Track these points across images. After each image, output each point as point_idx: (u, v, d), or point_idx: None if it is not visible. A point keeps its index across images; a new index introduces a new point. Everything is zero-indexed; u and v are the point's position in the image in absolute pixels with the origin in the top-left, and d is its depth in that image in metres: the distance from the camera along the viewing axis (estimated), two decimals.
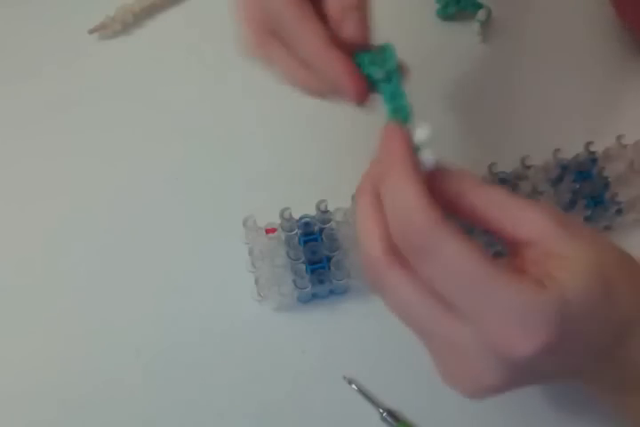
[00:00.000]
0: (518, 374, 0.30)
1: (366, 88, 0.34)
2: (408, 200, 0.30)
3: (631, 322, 0.31)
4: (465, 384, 0.32)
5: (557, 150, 0.50)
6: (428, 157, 0.32)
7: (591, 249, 0.30)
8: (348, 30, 0.34)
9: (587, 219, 0.48)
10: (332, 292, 0.49)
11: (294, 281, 0.46)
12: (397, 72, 0.36)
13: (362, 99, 0.34)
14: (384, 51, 0.36)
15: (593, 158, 0.50)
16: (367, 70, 0.35)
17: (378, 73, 0.35)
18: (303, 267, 0.46)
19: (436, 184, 0.32)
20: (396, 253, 0.31)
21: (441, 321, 0.30)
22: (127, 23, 0.59)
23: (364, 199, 0.32)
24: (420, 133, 0.33)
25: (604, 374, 0.33)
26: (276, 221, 0.47)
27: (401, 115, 0.34)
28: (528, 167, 0.49)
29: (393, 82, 0.35)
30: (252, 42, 0.37)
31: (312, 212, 0.48)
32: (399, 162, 0.31)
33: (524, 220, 0.31)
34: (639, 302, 0.31)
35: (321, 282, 0.46)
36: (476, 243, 0.29)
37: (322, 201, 0.47)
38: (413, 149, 0.32)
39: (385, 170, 0.31)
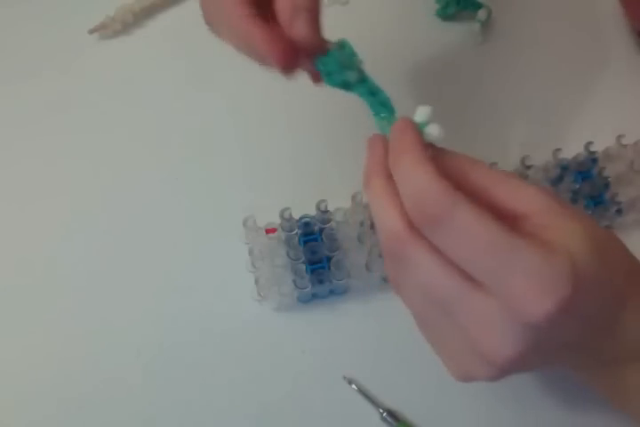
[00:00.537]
0: (537, 342, 0.31)
1: (291, 56, 0.35)
2: (421, 174, 0.31)
3: (624, 294, 0.33)
4: (482, 362, 0.32)
5: (557, 150, 0.50)
6: (433, 131, 0.34)
7: (584, 223, 0.32)
8: (298, 30, 0.35)
9: None
10: (331, 292, 0.49)
11: (294, 281, 0.46)
12: (362, 66, 0.36)
13: (286, 66, 0.36)
14: (343, 47, 0.36)
15: (593, 158, 0.50)
16: (341, 77, 0.35)
17: (352, 76, 0.35)
18: (303, 267, 0.46)
19: (439, 163, 0.33)
20: (414, 228, 0.32)
21: (465, 291, 0.31)
22: (127, 23, 0.59)
23: (378, 181, 0.34)
24: (422, 111, 0.34)
25: (600, 347, 0.34)
26: (276, 221, 0.47)
27: (387, 107, 0.34)
28: (528, 167, 0.49)
29: (367, 78, 0.36)
30: (205, 19, 0.40)
31: (312, 212, 0.48)
32: (412, 145, 0.32)
33: (524, 194, 0.32)
34: (627, 276, 0.33)
35: (321, 282, 0.46)
36: (488, 211, 0.30)
37: (322, 201, 0.47)
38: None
39: (397, 154, 0.33)
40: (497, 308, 0.30)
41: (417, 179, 0.31)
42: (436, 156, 0.33)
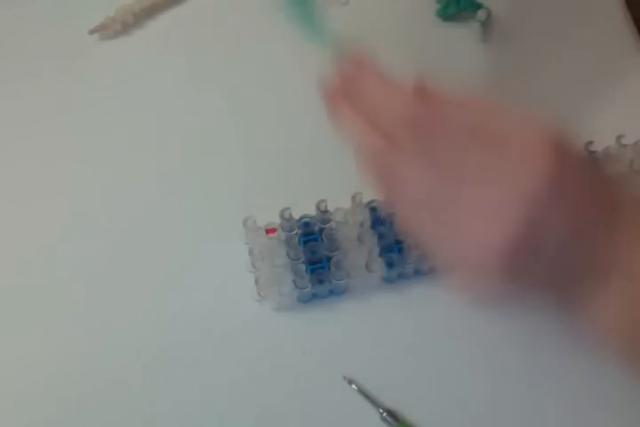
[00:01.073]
0: (529, 230, 0.32)
1: None
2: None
3: (592, 213, 0.34)
4: (480, 247, 0.34)
5: None
6: None
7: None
8: None
9: None
10: (331, 292, 0.49)
11: (294, 281, 0.46)
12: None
13: None
14: None
15: (593, 158, 0.50)
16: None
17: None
18: (303, 267, 0.46)
19: None
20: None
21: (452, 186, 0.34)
22: (127, 23, 0.59)
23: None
24: None
25: (587, 262, 0.35)
26: (276, 221, 0.47)
27: (324, 37, 0.35)
28: None
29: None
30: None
31: (312, 212, 0.48)
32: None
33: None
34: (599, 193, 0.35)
35: (321, 282, 0.46)
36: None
37: (322, 201, 0.47)
38: None
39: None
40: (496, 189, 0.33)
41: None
42: None
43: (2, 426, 0.47)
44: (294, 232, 0.47)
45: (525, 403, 0.46)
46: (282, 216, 0.47)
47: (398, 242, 0.47)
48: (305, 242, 0.47)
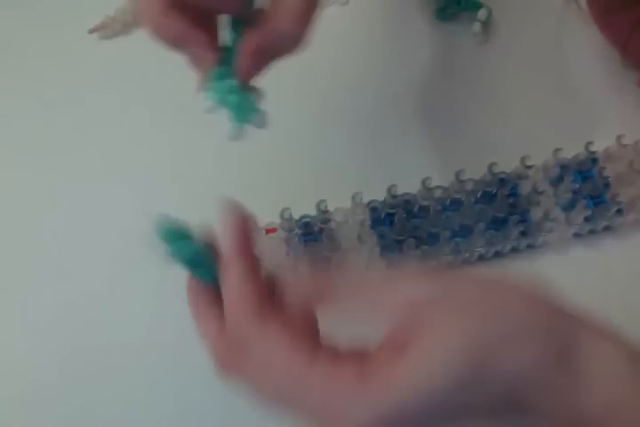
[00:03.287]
0: None
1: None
2: (233, 287, 0.31)
3: (525, 379, 0.28)
4: None
5: (557, 150, 0.50)
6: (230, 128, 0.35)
7: (473, 315, 0.28)
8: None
9: (587, 219, 0.48)
10: None
11: None
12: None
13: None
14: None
15: (593, 158, 0.50)
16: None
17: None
18: None
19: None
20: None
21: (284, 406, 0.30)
22: (127, 23, 0.59)
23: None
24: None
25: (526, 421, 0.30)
26: (276, 221, 0.47)
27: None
28: (528, 167, 0.49)
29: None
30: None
31: (312, 212, 0.48)
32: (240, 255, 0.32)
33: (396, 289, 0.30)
34: (541, 356, 0.28)
35: None
36: (289, 329, 0.29)
37: (322, 201, 0.47)
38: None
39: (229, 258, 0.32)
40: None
41: (231, 288, 0.31)
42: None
43: None
44: (294, 232, 0.47)
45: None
46: (282, 216, 0.47)
47: (398, 242, 0.47)
48: (305, 242, 0.47)
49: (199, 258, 0.32)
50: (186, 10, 0.34)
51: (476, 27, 0.57)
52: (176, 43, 0.35)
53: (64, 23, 0.59)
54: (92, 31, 0.58)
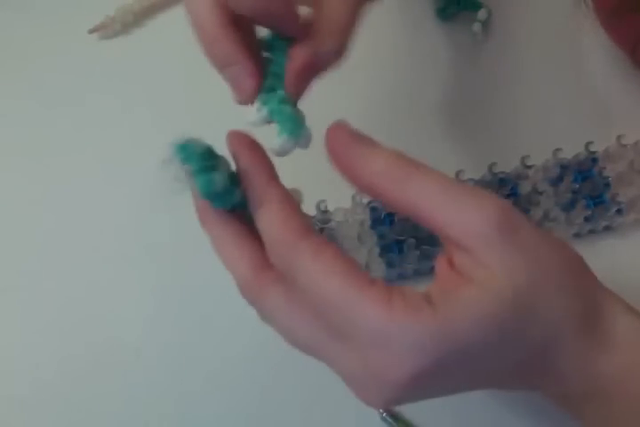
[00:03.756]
0: (405, 394, 0.28)
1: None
2: (271, 217, 0.30)
3: (557, 337, 0.29)
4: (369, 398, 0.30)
5: (557, 150, 0.50)
6: (279, 142, 0.34)
7: (523, 261, 0.28)
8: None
9: (587, 219, 0.48)
10: None
11: None
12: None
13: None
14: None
15: (593, 158, 0.50)
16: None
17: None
18: None
19: (351, 163, 0.31)
20: (268, 271, 0.31)
21: (322, 344, 0.29)
22: (127, 23, 0.59)
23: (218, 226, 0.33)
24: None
25: (541, 385, 0.32)
26: None
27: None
28: (528, 167, 0.49)
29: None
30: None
31: (312, 212, 0.48)
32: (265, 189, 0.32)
33: (458, 219, 0.28)
34: (572, 313, 0.29)
35: None
36: (343, 259, 0.28)
37: (322, 201, 0.47)
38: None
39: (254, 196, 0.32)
40: (357, 362, 0.28)
41: (268, 220, 0.30)
42: (348, 151, 0.32)
43: None
44: None
45: (526, 403, 0.46)
46: None
47: (398, 242, 0.47)
48: None
49: (225, 187, 0.31)
50: (240, 26, 0.33)
51: (476, 27, 0.57)
52: (221, 64, 0.35)
53: (64, 23, 0.59)
54: (92, 31, 0.58)
